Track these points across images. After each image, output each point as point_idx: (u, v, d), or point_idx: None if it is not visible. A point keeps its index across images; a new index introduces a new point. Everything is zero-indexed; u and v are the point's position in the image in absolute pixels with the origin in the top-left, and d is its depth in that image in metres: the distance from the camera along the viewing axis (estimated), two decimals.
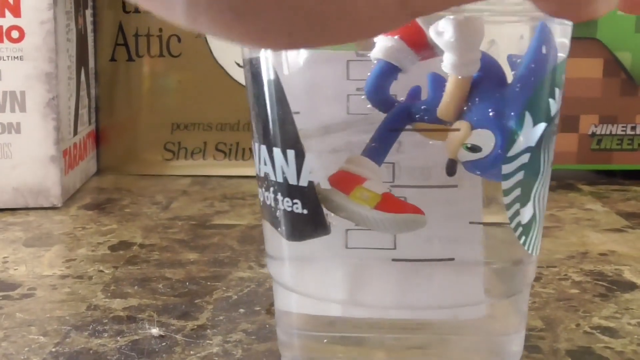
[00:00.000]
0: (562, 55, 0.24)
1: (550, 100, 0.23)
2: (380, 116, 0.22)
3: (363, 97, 0.22)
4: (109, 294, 0.35)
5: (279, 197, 0.24)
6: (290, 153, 0.23)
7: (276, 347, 0.29)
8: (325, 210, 0.23)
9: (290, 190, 0.24)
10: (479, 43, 0.21)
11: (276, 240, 0.25)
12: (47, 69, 0.49)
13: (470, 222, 0.23)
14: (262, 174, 0.25)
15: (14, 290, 0.35)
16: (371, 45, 0.22)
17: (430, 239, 0.23)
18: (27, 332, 0.31)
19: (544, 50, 0.22)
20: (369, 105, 0.22)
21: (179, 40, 0.63)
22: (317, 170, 0.23)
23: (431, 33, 0.21)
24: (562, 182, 0.58)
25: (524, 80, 0.22)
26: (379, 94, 0.22)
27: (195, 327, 0.31)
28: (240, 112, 0.63)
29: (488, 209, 0.24)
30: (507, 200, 0.23)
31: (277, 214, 0.25)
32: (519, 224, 0.24)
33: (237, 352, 0.29)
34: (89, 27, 0.61)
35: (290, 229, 0.24)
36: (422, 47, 0.22)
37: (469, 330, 0.25)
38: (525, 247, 0.24)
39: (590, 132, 0.59)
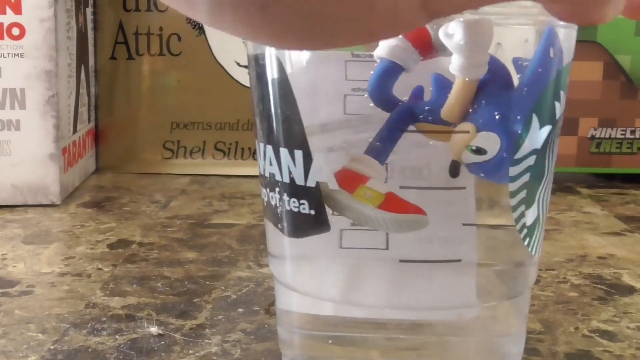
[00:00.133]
0: (567, 58, 0.24)
1: (556, 103, 0.23)
2: (382, 116, 0.22)
3: (365, 96, 0.22)
4: (108, 292, 0.35)
5: (285, 197, 0.24)
6: (298, 153, 0.23)
7: (275, 347, 0.29)
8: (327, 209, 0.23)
9: (297, 191, 0.24)
10: (488, 46, 0.21)
11: (278, 239, 0.25)
12: (47, 66, 0.49)
13: (464, 224, 0.23)
14: (267, 175, 0.25)
15: (12, 288, 0.35)
16: (374, 45, 0.22)
17: (423, 239, 0.23)
18: (26, 329, 0.31)
19: (551, 54, 0.22)
20: (371, 104, 0.22)
21: (179, 39, 0.63)
22: (325, 170, 0.23)
23: (440, 35, 0.21)
24: (561, 185, 0.58)
25: (531, 84, 0.22)
26: (381, 93, 0.22)
27: (194, 326, 0.31)
28: (239, 112, 0.63)
29: (490, 211, 0.24)
30: (513, 202, 0.23)
31: (281, 213, 0.25)
32: (524, 226, 0.24)
33: (236, 352, 0.29)
34: (89, 25, 0.61)
35: (293, 226, 0.24)
36: (426, 47, 0.22)
37: (469, 331, 0.25)
38: (529, 249, 0.24)
39: (589, 135, 0.59)
